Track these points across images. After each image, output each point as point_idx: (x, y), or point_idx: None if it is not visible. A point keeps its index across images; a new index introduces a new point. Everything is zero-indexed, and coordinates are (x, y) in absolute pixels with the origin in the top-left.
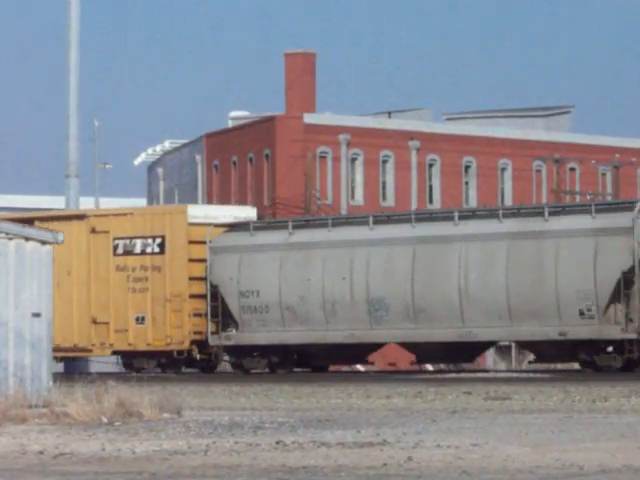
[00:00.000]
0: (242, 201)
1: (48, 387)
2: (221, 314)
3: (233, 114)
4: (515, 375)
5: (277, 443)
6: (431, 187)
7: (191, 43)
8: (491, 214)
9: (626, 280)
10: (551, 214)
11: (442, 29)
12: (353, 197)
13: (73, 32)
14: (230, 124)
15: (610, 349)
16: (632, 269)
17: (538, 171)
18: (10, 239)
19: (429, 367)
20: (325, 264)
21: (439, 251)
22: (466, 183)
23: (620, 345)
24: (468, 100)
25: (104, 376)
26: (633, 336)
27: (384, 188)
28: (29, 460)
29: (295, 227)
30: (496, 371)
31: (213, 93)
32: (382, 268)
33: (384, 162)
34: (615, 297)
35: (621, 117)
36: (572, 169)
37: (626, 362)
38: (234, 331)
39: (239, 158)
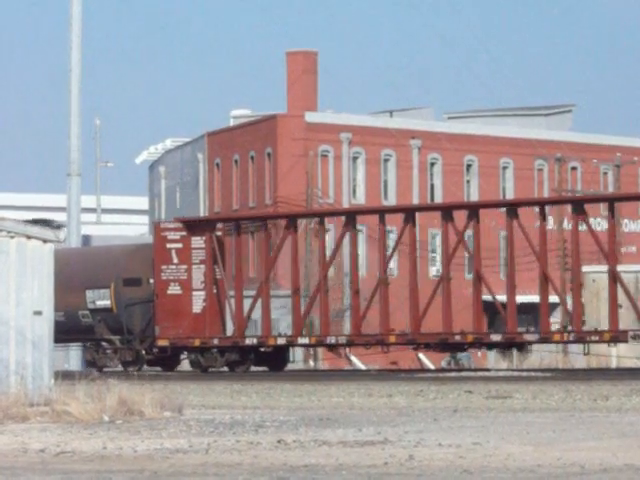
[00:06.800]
0: (244, 200)
1: (49, 385)
2: None
3: (235, 113)
4: (516, 374)
5: (278, 442)
6: (432, 186)
7: (193, 42)
8: None
9: None
10: None
11: (444, 28)
12: (355, 196)
13: (75, 31)
14: (232, 123)
15: None
16: None
17: (540, 170)
18: (12, 237)
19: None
20: None
21: None
22: (467, 182)
23: None
24: (470, 99)
25: (105, 374)
26: None
27: (385, 187)
28: (30, 458)
29: None
30: (497, 370)
31: (215, 92)
32: None
33: (385, 161)
34: None
35: (623, 116)
36: (574, 168)
37: None
38: None
39: (241, 157)
